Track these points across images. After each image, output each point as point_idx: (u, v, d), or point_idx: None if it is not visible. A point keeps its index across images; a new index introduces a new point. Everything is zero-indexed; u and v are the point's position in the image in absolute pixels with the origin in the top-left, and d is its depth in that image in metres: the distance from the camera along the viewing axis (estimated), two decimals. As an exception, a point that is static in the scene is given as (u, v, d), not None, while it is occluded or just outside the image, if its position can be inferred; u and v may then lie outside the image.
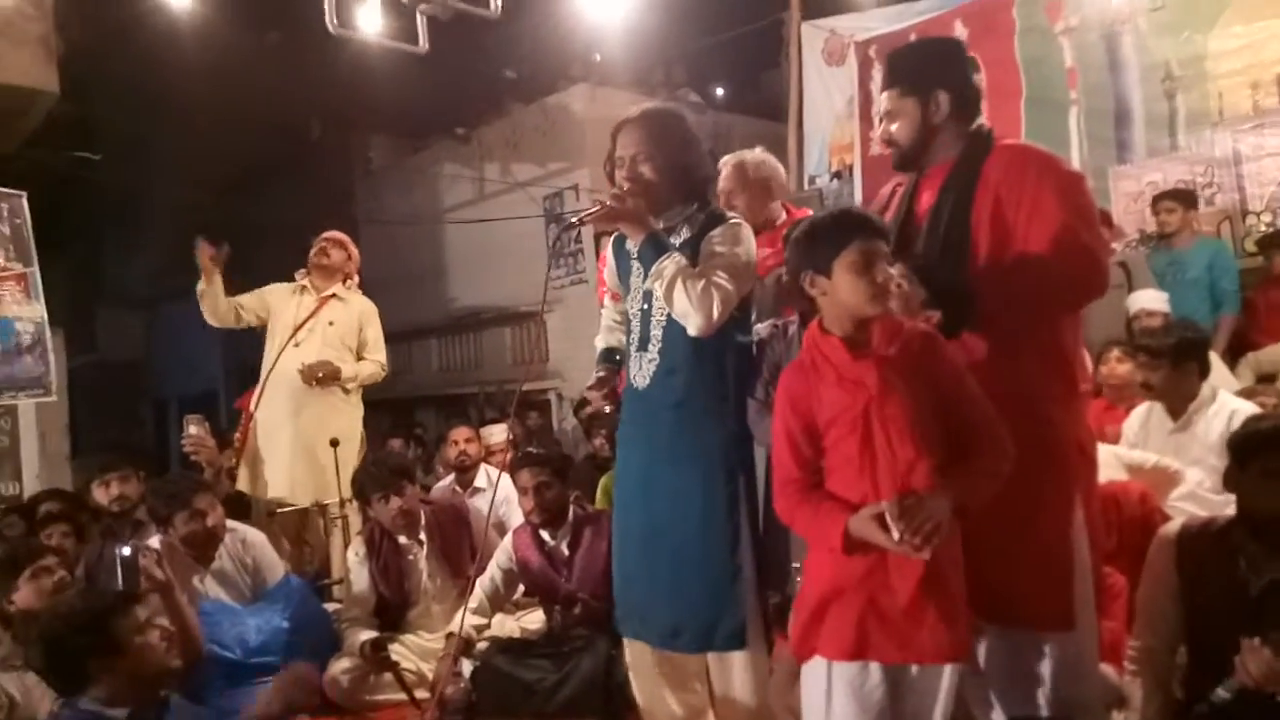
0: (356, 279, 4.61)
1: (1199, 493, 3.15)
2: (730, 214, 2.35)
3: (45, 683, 2.32)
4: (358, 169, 13.92)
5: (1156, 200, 5.19)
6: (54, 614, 2.29)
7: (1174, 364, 3.31)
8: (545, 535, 3.24)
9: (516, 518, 3.70)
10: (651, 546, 2.29)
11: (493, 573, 3.32)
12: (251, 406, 4.38)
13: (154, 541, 3.48)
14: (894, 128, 2.19)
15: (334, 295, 4.43)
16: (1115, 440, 3.54)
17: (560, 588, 3.20)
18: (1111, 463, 3.02)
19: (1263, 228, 5.22)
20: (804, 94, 7.69)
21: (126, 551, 2.96)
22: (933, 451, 1.75)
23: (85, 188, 10.31)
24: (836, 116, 7.36)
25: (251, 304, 4.46)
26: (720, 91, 12.25)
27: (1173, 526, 2.27)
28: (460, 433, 4.64)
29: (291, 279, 4.57)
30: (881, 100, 2.22)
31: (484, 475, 4.54)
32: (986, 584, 1.84)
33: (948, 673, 1.78)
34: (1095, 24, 5.88)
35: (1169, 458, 3.28)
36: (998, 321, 1.97)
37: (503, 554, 3.33)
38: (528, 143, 11.02)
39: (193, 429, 4.11)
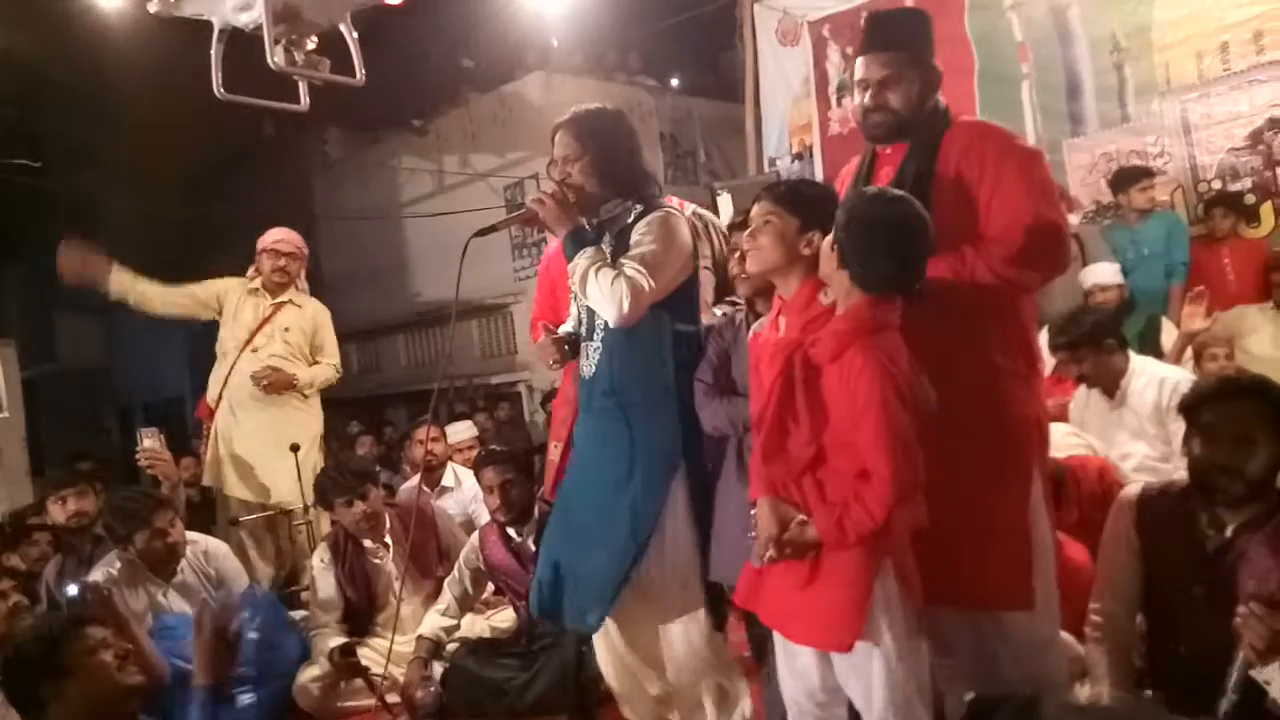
0: (303, 276, 4.51)
1: (1147, 464, 3.21)
2: (665, 204, 2.36)
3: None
4: (314, 163, 13.72)
5: (1133, 178, 5.10)
6: (10, 641, 2.23)
7: (1096, 348, 3.36)
8: (512, 532, 3.22)
9: (486, 516, 3.68)
10: (583, 530, 2.33)
11: (460, 573, 3.31)
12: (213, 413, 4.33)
13: (113, 558, 3.44)
14: (891, 94, 2.09)
15: (289, 301, 4.38)
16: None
17: (528, 584, 3.19)
18: (1072, 442, 3.05)
19: (1214, 195, 5.30)
20: (760, 75, 7.65)
21: (73, 591, 2.91)
22: (771, 450, 1.80)
23: (33, 196, 10.08)
24: (794, 97, 7.34)
25: (203, 295, 4.39)
26: (679, 75, 12.20)
27: (1133, 489, 2.31)
28: (424, 431, 4.60)
29: (242, 274, 4.48)
30: (866, 63, 2.10)
31: (451, 474, 4.51)
32: (945, 565, 1.84)
33: (875, 669, 1.76)
34: (1043, -2, 5.92)
35: (1111, 436, 3.34)
36: (961, 298, 1.95)
37: (470, 553, 3.32)
38: (486, 133, 10.92)
39: (147, 442, 4.02)
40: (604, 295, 2.17)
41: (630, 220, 2.31)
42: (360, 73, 2.84)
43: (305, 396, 4.33)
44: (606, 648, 2.48)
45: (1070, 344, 3.39)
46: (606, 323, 2.29)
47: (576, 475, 2.45)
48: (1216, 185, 5.31)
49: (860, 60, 2.12)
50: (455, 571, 3.33)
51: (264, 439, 4.22)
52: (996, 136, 2.10)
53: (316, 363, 4.41)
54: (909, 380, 1.74)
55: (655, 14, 10.24)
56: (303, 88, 2.83)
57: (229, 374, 4.30)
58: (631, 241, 2.25)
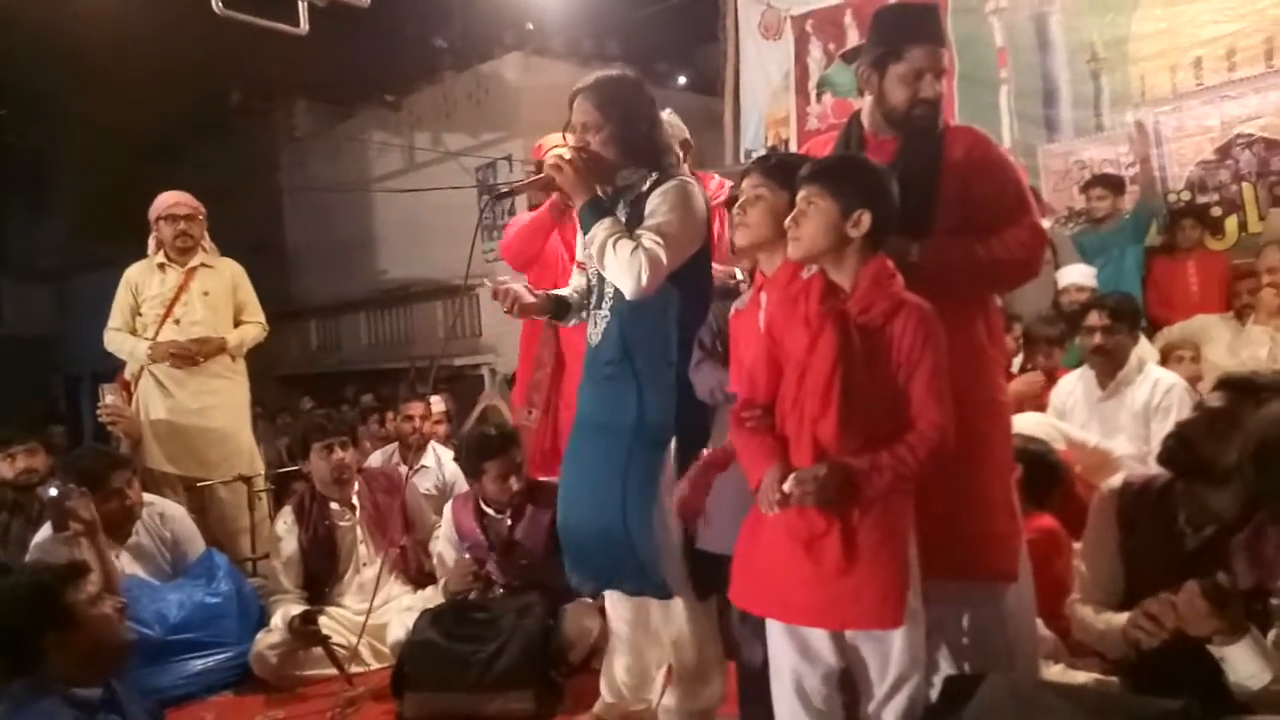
0: (208, 237, 4.31)
1: (1125, 461, 3.25)
2: (680, 174, 2.34)
3: None
4: (282, 135, 13.47)
5: (1088, 186, 5.31)
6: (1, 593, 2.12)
7: (1130, 328, 3.44)
8: (490, 511, 3.18)
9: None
10: (587, 499, 2.33)
11: (443, 552, 3.30)
12: (132, 387, 4.16)
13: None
14: (939, 86, 2.14)
15: (201, 264, 4.21)
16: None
17: (492, 559, 3.16)
18: (1053, 435, 3.07)
19: (1182, 207, 5.40)
20: (740, 67, 7.66)
21: (54, 492, 2.84)
22: (851, 421, 1.77)
23: (-11, 148, 9.76)
24: (773, 90, 7.36)
25: (126, 305, 4.20)
26: (656, 65, 12.16)
27: (1115, 481, 2.33)
28: (415, 407, 4.51)
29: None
30: (924, 53, 2.12)
31: (432, 454, 4.43)
32: (937, 537, 1.87)
33: (896, 637, 1.79)
34: (1024, 4, 6.00)
35: (1094, 427, 3.39)
36: (954, 285, 2.02)
37: (447, 528, 3.29)
38: (460, 111, 10.81)
39: (109, 398, 3.91)
40: (622, 267, 2.15)
41: (645, 189, 2.28)
42: None
43: (233, 359, 4.21)
44: (613, 610, 2.49)
45: (1114, 310, 3.46)
46: (616, 292, 2.26)
47: (581, 443, 2.42)
48: (1185, 197, 5.42)
49: (916, 51, 2.12)
50: (437, 551, 3.36)
51: (192, 408, 4.09)
52: (996, 146, 2.25)
53: (242, 322, 4.28)
54: (944, 337, 1.80)
55: (634, 3, 10.21)
56: (302, 9, 2.73)
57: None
58: (647, 211, 2.23)
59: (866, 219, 1.82)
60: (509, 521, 3.14)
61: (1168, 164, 5.49)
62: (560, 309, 2.50)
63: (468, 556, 3.13)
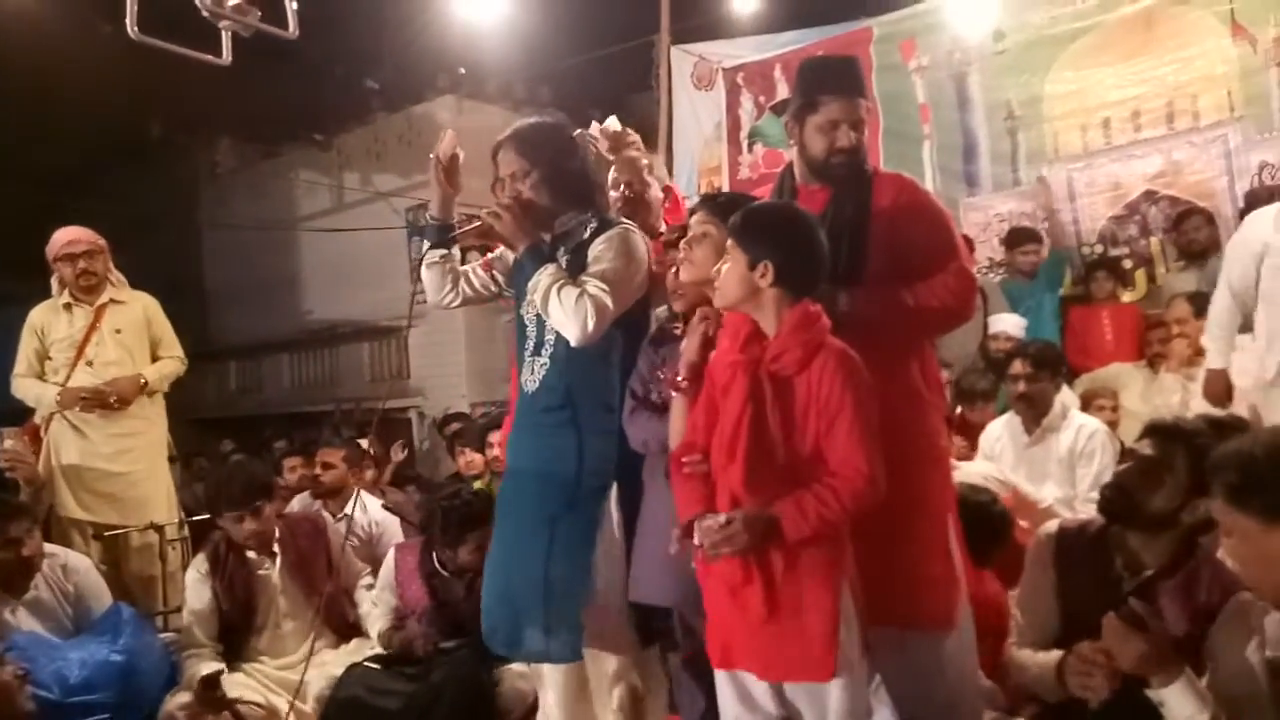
0: (113, 268, 4.11)
1: (1053, 508, 3.32)
2: (621, 221, 2.33)
3: None
4: (203, 171, 13.14)
5: (1016, 242, 5.46)
6: None
7: (1052, 376, 3.54)
8: (443, 571, 3.07)
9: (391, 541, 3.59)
10: (513, 551, 2.27)
11: (380, 591, 3.17)
12: (42, 432, 3.95)
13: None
14: (858, 136, 2.17)
15: (110, 300, 4.02)
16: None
17: (435, 620, 3.05)
18: (999, 488, 3.09)
19: (1095, 259, 5.63)
20: (673, 117, 7.79)
21: None
22: (760, 471, 1.76)
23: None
24: (705, 140, 7.50)
25: (34, 351, 4.00)
26: (589, 112, 12.28)
27: (1051, 525, 2.35)
28: (329, 453, 4.23)
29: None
30: (842, 105, 2.16)
31: (361, 504, 4.24)
32: (873, 583, 1.86)
33: (833, 689, 1.76)
34: (944, 64, 6.27)
35: (1022, 471, 3.46)
36: (890, 332, 2.03)
37: (386, 574, 3.17)
38: (391, 152, 10.70)
39: (8, 443, 3.70)
40: (568, 314, 2.12)
41: (586, 235, 2.26)
42: (294, 26, 2.67)
43: (150, 397, 4.04)
44: (551, 674, 2.38)
45: (1037, 358, 3.54)
46: (557, 338, 2.23)
47: (515, 492, 2.34)
48: (1098, 250, 5.66)
49: (832, 102, 2.15)
50: (377, 606, 3.22)
51: (107, 452, 3.91)
52: (924, 192, 2.30)
53: (158, 358, 4.11)
54: (870, 382, 1.76)
55: (569, 49, 10.32)
56: (225, 39, 2.63)
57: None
58: (590, 258, 2.21)
59: (771, 270, 1.82)
60: (463, 584, 3.03)
61: (1081, 218, 5.74)
62: (445, 238, 2.40)
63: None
